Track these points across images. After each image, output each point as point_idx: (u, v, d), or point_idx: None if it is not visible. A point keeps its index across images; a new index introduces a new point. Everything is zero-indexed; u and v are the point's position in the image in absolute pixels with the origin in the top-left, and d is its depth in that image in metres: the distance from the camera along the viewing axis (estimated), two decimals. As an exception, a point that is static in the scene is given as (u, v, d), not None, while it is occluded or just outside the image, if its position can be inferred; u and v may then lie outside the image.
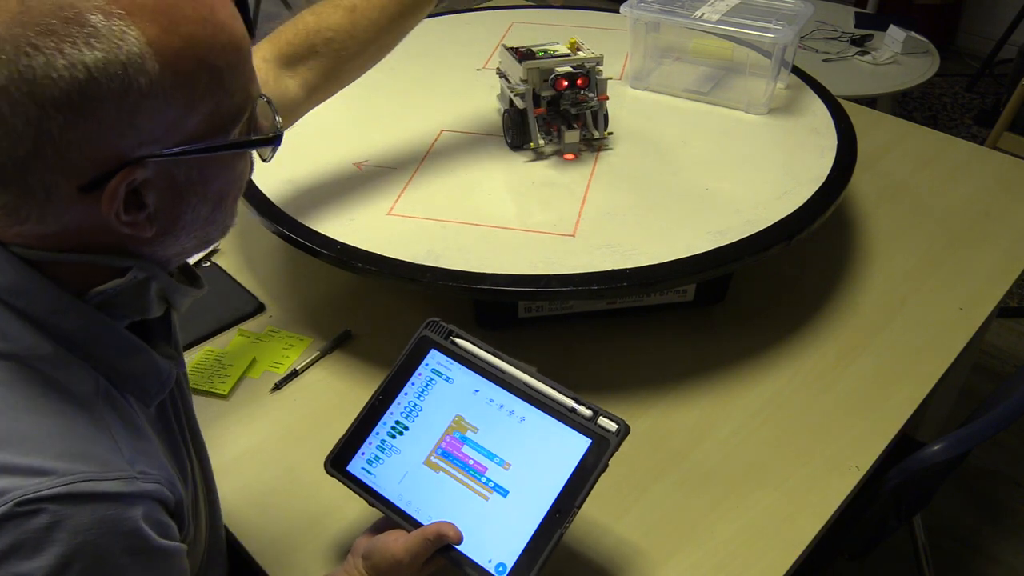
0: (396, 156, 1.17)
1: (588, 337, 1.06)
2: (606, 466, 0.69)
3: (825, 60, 2.21)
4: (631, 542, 0.82)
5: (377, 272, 0.95)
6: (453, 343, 0.77)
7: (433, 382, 0.76)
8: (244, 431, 0.94)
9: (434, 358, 0.77)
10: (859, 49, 2.24)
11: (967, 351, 1.06)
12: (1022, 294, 2.27)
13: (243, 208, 1.11)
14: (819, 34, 2.32)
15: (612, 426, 0.70)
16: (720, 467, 0.90)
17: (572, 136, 1.14)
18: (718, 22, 1.24)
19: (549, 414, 0.72)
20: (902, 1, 3.41)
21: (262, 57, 0.89)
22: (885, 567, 1.58)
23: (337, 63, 0.93)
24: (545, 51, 1.13)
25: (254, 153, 0.64)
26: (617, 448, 0.69)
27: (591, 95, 1.13)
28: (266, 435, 0.93)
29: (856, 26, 2.37)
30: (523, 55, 1.12)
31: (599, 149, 1.17)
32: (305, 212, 1.04)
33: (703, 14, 1.27)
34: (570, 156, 1.15)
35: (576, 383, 1.00)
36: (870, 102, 2.00)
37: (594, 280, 0.92)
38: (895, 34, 2.24)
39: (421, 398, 0.75)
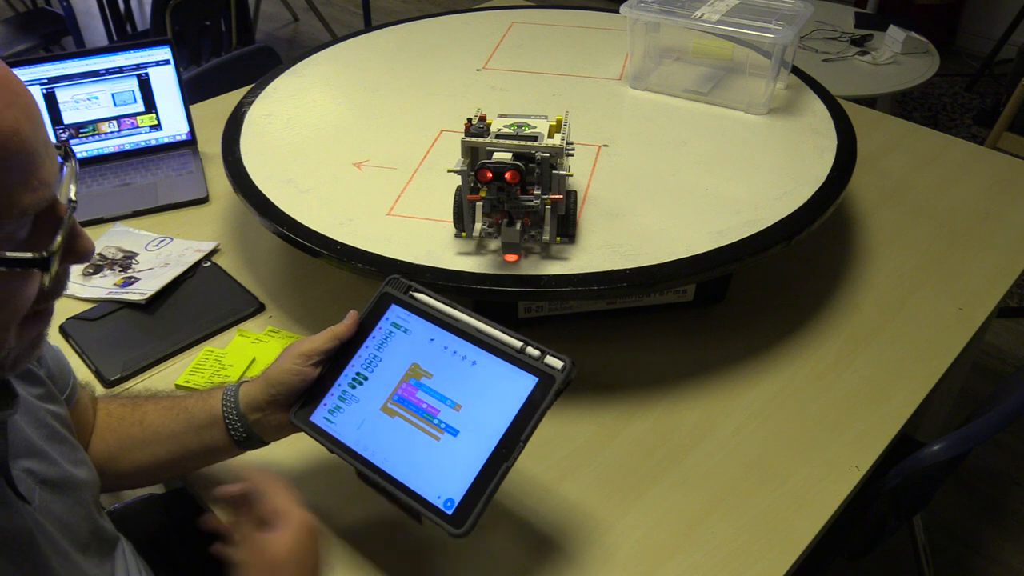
0: (396, 156, 1.17)
1: (588, 337, 1.06)
2: (552, 402, 0.71)
3: (825, 60, 2.21)
4: (631, 542, 0.82)
5: (377, 272, 0.95)
6: (412, 297, 0.80)
7: (393, 334, 0.79)
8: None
9: (394, 312, 0.80)
10: (859, 49, 2.24)
11: (967, 351, 1.06)
12: (1022, 294, 2.27)
13: (243, 208, 1.11)
14: (819, 34, 2.32)
15: (558, 364, 0.72)
16: (720, 467, 0.90)
17: (510, 235, 0.92)
18: (718, 22, 1.24)
19: (499, 356, 0.74)
20: (902, 1, 3.42)
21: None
22: (885, 567, 1.58)
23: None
24: (519, 124, 0.94)
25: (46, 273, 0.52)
26: (565, 385, 0.71)
27: (537, 191, 0.92)
28: (266, 435, 0.93)
29: (856, 26, 2.37)
30: (473, 128, 0.93)
31: (552, 244, 0.97)
32: (305, 212, 1.04)
33: (703, 14, 1.27)
34: (511, 257, 0.94)
35: (576, 383, 1.01)
36: (870, 102, 2.00)
37: (594, 280, 0.93)
38: (895, 34, 2.24)
39: (381, 350, 0.78)
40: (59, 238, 0.52)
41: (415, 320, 0.78)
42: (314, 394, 0.78)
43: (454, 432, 0.72)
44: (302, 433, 0.77)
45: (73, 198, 0.55)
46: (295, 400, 0.77)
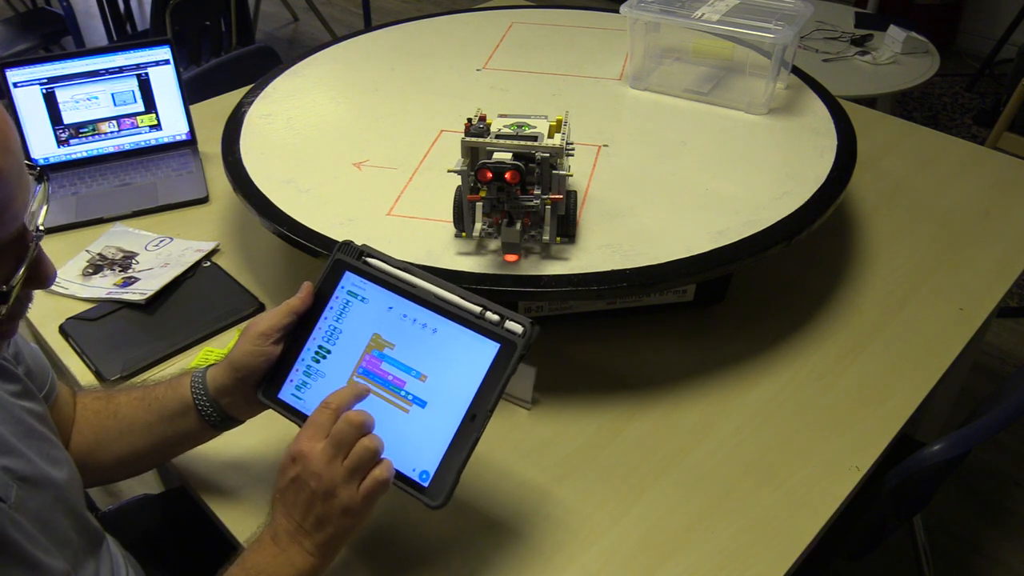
0: (396, 156, 1.17)
1: (588, 337, 1.06)
2: (515, 368, 0.70)
3: (825, 60, 2.21)
4: (631, 542, 0.82)
5: (377, 272, 0.95)
6: (365, 263, 0.78)
7: (350, 304, 0.77)
8: (243, 431, 0.93)
9: (349, 280, 0.78)
10: (859, 49, 2.24)
11: (967, 351, 1.06)
12: (1022, 294, 2.27)
13: (243, 208, 1.11)
14: (819, 34, 2.32)
15: (518, 328, 0.71)
16: (720, 467, 0.90)
17: (510, 235, 0.92)
18: (718, 22, 1.24)
19: (459, 323, 0.72)
20: (902, 1, 3.42)
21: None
22: (885, 567, 1.58)
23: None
24: (519, 124, 0.94)
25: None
26: (527, 350, 0.70)
27: (537, 191, 0.91)
28: (265, 435, 0.93)
29: (856, 26, 2.37)
30: (473, 128, 0.93)
31: (551, 243, 0.97)
32: (305, 212, 1.04)
33: (703, 14, 1.27)
34: (511, 257, 0.94)
35: (576, 383, 1.00)
36: (870, 102, 2.00)
37: (594, 280, 0.92)
38: (895, 34, 2.24)
39: (340, 320, 0.76)
40: (22, 271, 0.52)
41: (371, 287, 0.76)
42: (279, 370, 0.77)
43: (422, 403, 0.71)
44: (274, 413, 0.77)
45: (41, 227, 0.54)
46: (261, 378, 0.77)
